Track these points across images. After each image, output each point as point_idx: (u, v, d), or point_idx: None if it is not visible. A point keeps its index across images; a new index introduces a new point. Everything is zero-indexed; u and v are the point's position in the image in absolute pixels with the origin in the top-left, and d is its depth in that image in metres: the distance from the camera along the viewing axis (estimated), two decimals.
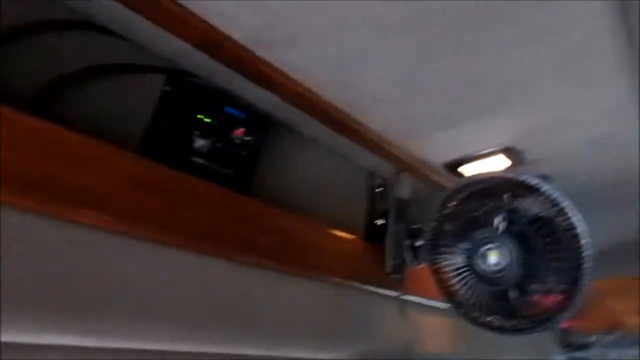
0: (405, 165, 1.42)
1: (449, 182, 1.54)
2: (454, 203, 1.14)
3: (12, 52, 0.82)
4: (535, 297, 1.05)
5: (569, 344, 2.72)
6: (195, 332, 0.93)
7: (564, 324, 2.58)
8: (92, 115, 0.91)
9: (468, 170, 1.46)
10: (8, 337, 0.68)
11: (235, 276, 1.02)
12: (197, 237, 0.95)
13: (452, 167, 1.46)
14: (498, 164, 1.43)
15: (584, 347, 2.66)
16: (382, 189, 1.42)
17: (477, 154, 1.41)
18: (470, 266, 1.09)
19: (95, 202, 0.79)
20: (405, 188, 1.37)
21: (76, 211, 0.77)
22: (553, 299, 1.03)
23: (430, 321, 1.64)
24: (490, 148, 1.39)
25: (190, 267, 0.94)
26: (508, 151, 1.38)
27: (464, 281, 1.10)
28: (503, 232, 1.05)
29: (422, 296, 1.51)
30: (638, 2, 0.98)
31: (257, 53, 0.98)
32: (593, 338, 2.65)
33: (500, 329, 1.08)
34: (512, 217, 1.06)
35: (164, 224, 0.89)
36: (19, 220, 0.71)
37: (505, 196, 1.07)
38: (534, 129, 1.30)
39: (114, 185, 0.83)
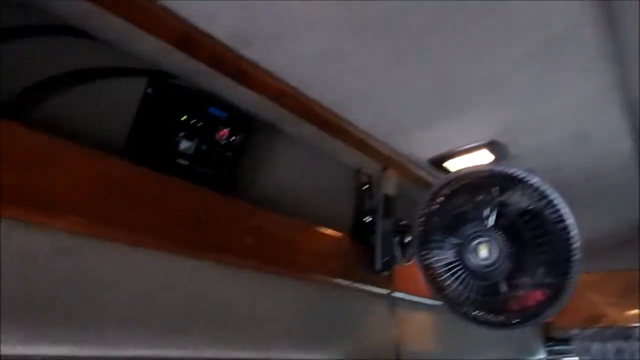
0: (390, 162, 1.42)
1: (435, 178, 1.54)
2: (442, 198, 1.14)
3: None
4: (525, 291, 1.05)
5: (551, 339, 2.74)
6: (182, 337, 0.91)
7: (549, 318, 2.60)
8: (74, 121, 0.88)
9: (453, 165, 1.47)
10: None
11: (219, 278, 1.01)
12: (179, 240, 0.93)
13: (437, 162, 1.46)
14: (482, 158, 1.43)
15: (565, 341, 2.69)
16: (368, 186, 1.41)
17: (460, 149, 1.41)
18: (460, 261, 1.09)
19: (74, 207, 0.77)
20: (391, 185, 1.37)
21: (57, 217, 0.75)
22: (542, 292, 1.03)
23: (418, 318, 1.64)
24: (473, 143, 1.39)
25: (174, 271, 0.92)
26: (491, 146, 1.39)
27: (454, 276, 1.10)
28: (492, 225, 1.05)
29: (410, 293, 1.51)
30: None
31: (239, 52, 0.97)
32: (575, 332, 2.68)
33: (490, 324, 1.08)
34: (501, 210, 1.05)
35: (146, 227, 0.87)
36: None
37: (493, 190, 1.07)
38: (516, 123, 1.31)
39: (94, 189, 0.80)
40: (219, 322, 0.97)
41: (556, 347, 2.71)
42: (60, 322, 0.73)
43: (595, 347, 2.61)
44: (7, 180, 0.69)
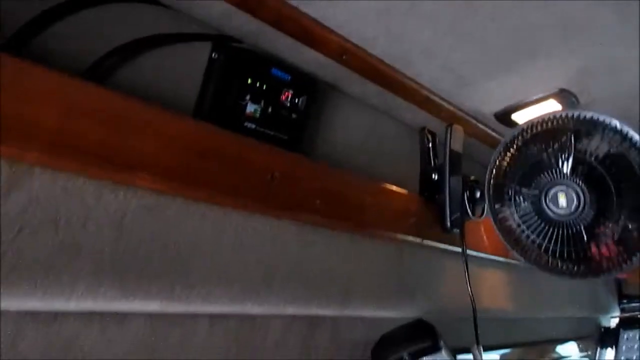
0: (455, 117, 1.39)
1: (501, 132, 1.49)
2: (514, 149, 1.10)
3: (60, 30, 0.81)
4: (609, 238, 1.01)
5: (625, 296, 2.66)
6: (264, 294, 0.93)
7: (622, 275, 2.51)
8: (145, 88, 0.90)
9: (519, 119, 1.42)
10: (95, 304, 0.69)
11: (295, 236, 1.02)
12: (256, 198, 0.94)
13: (503, 116, 1.41)
14: (550, 109, 1.38)
15: None
16: (433, 143, 1.39)
17: (527, 100, 1.36)
18: (536, 212, 1.06)
19: (158, 166, 0.79)
20: (457, 141, 1.33)
21: (141, 177, 0.77)
22: (628, 239, 0.99)
23: (491, 276, 1.61)
24: (541, 94, 1.33)
25: (253, 229, 0.94)
26: (561, 95, 1.32)
27: (531, 228, 1.06)
28: (570, 173, 1.01)
29: (482, 250, 1.48)
30: None
31: (302, 9, 0.96)
32: None
33: (572, 274, 1.04)
34: (578, 157, 1.01)
35: (225, 187, 0.89)
36: (80, 187, 0.71)
37: (568, 136, 1.03)
38: (588, 70, 1.24)
39: (176, 149, 0.82)
40: (298, 280, 0.98)
41: (631, 304, 2.63)
42: (151, 280, 0.76)
43: None
44: (95, 142, 0.71)
